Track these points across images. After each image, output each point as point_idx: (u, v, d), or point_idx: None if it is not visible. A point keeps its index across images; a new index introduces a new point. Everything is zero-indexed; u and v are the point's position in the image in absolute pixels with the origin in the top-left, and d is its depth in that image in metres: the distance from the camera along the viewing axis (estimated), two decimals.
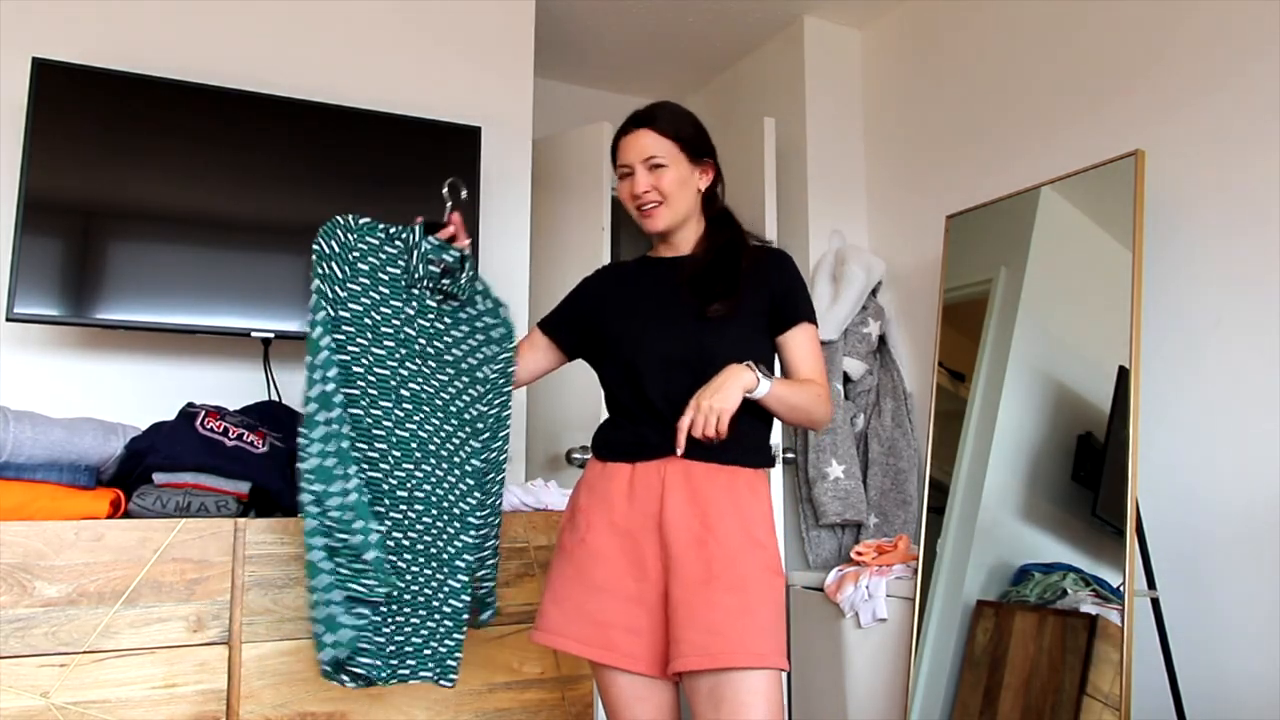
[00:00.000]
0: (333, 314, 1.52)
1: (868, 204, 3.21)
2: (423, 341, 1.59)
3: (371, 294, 1.56)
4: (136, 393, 2.15)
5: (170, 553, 1.67)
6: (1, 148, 2.10)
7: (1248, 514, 2.00)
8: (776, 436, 2.61)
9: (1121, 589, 1.95)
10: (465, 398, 1.62)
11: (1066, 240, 2.30)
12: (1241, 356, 2.05)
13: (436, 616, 1.55)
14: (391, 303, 1.57)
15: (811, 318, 1.62)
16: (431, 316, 1.61)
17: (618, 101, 3.78)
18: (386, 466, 1.53)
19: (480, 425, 1.63)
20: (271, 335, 2.14)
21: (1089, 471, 2.11)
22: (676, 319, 1.56)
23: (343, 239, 1.57)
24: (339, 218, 1.58)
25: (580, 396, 2.89)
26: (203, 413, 1.88)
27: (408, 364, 1.57)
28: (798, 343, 1.60)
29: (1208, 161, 2.15)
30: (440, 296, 1.63)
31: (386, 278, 1.59)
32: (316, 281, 1.53)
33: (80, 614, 1.59)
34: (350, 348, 1.53)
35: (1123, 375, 2.05)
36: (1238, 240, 2.08)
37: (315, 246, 1.55)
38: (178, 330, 2.06)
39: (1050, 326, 2.30)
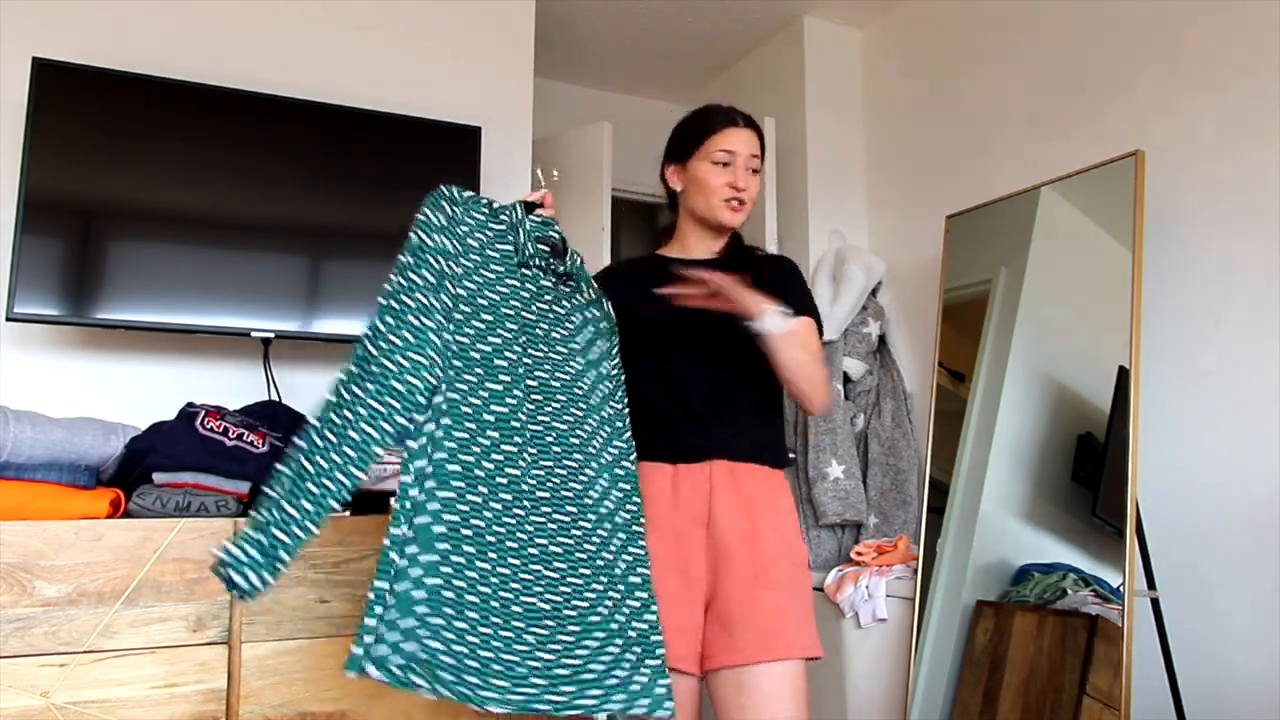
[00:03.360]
0: (442, 289, 1.33)
1: (868, 204, 3.21)
2: (545, 326, 1.43)
3: (484, 272, 1.38)
4: (136, 393, 2.15)
5: (170, 553, 1.67)
6: (1, 148, 2.10)
7: (1248, 514, 2.00)
8: None
9: (1121, 589, 1.95)
10: (600, 391, 1.48)
11: (1066, 240, 2.30)
12: (1241, 357, 2.05)
13: (619, 641, 1.34)
14: (507, 281, 1.40)
15: (811, 312, 1.61)
16: (549, 299, 1.45)
17: (618, 101, 3.78)
18: (523, 464, 1.35)
19: (620, 424, 1.47)
20: (271, 335, 2.14)
21: (1089, 471, 2.11)
22: (708, 323, 1.55)
23: (449, 211, 1.39)
24: (443, 188, 1.40)
25: None
26: (203, 412, 1.88)
27: (531, 350, 1.41)
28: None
29: (1208, 161, 2.15)
30: (554, 278, 1.47)
31: (497, 254, 1.41)
32: (415, 256, 1.32)
33: (80, 614, 1.59)
34: (467, 330, 1.35)
35: (1123, 375, 2.05)
36: (1238, 240, 2.08)
37: (420, 217, 1.36)
38: (178, 330, 2.06)
39: (1050, 326, 2.30)
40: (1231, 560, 2.02)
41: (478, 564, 1.29)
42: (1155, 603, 2.00)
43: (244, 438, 1.85)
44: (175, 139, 2.10)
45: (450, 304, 1.34)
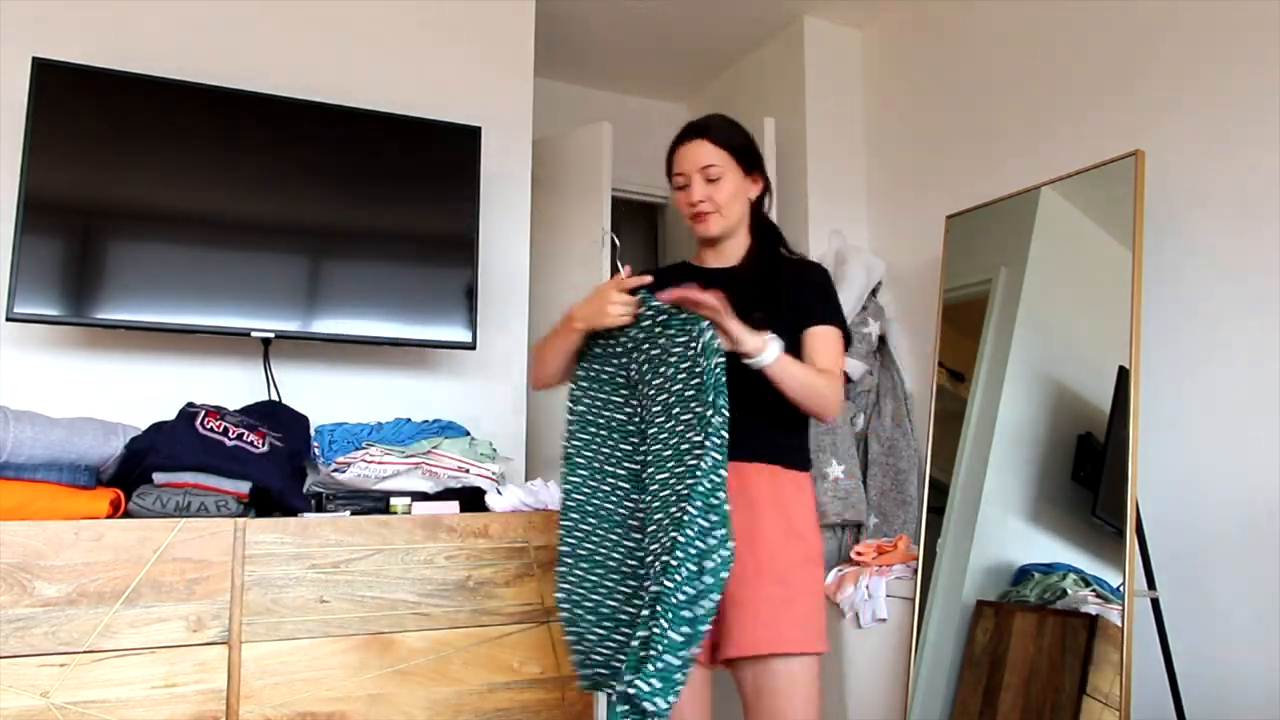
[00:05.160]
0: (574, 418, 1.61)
1: (868, 204, 3.21)
2: (636, 419, 1.57)
3: (590, 395, 1.62)
4: (136, 393, 2.15)
5: (170, 553, 1.67)
6: (1, 148, 2.10)
7: (1247, 514, 2.00)
8: None
9: (1121, 589, 1.95)
10: (680, 433, 1.52)
11: (1066, 240, 2.30)
12: (1241, 356, 2.05)
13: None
14: (613, 399, 1.61)
15: (833, 321, 1.66)
16: (644, 383, 1.57)
17: (618, 101, 3.78)
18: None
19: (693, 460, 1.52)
20: (271, 335, 2.14)
21: (1089, 471, 2.11)
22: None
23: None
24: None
25: None
26: (203, 412, 1.88)
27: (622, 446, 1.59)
28: (814, 337, 1.64)
29: (1208, 161, 2.15)
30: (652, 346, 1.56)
31: (604, 371, 1.61)
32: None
33: (80, 614, 1.59)
34: (586, 452, 1.60)
35: (1123, 375, 2.05)
36: (1238, 240, 2.08)
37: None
38: (178, 330, 2.06)
39: (1050, 326, 2.30)
40: (1231, 560, 2.02)
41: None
42: (1155, 603, 2.00)
43: (244, 438, 1.85)
44: (175, 139, 2.10)
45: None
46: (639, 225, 4.27)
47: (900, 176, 3.08)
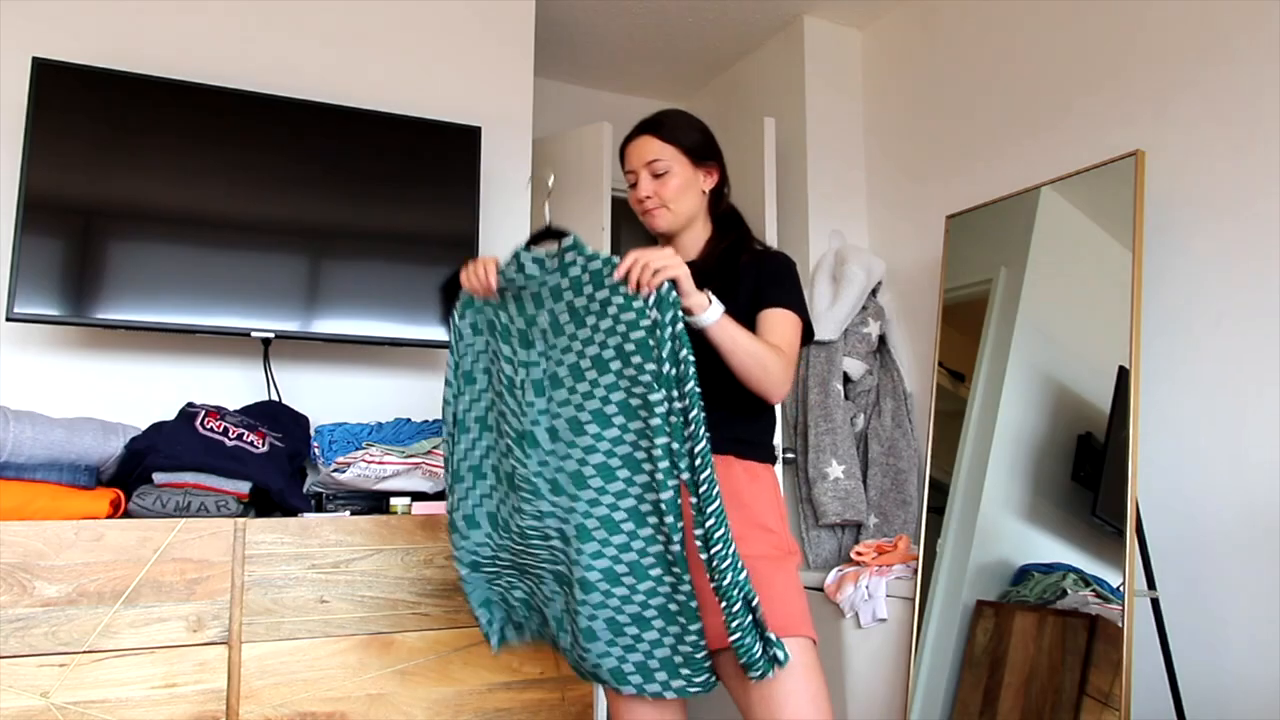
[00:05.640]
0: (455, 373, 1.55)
1: (868, 204, 3.21)
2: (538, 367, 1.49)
3: (471, 351, 1.55)
4: (136, 393, 2.15)
5: (170, 553, 1.67)
6: (1, 148, 2.10)
7: (1247, 514, 2.00)
8: (776, 437, 2.61)
9: (1121, 589, 1.95)
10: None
11: (1066, 240, 2.30)
12: (1241, 357, 2.05)
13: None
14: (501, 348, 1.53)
15: (790, 306, 1.60)
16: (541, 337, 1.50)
17: (618, 101, 3.78)
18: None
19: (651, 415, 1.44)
20: (271, 335, 2.14)
21: (1089, 471, 2.11)
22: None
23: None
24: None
25: None
26: (203, 412, 1.88)
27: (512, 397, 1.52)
28: (766, 318, 1.59)
29: (1208, 161, 2.15)
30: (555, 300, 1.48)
31: (487, 325, 1.54)
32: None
33: (80, 614, 1.59)
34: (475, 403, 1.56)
35: (1123, 375, 2.05)
36: (1238, 240, 2.08)
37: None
38: (178, 330, 2.06)
39: (1050, 326, 2.30)
40: (1231, 560, 2.02)
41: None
42: (1155, 603, 2.00)
43: (244, 438, 1.86)
44: (175, 139, 2.10)
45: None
46: (639, 225, 4.27)
47: (900, 176, 3.08)
